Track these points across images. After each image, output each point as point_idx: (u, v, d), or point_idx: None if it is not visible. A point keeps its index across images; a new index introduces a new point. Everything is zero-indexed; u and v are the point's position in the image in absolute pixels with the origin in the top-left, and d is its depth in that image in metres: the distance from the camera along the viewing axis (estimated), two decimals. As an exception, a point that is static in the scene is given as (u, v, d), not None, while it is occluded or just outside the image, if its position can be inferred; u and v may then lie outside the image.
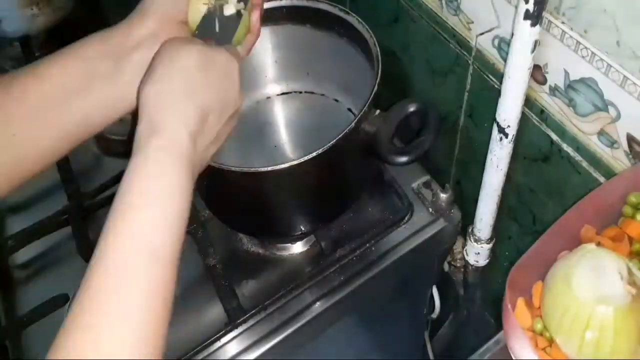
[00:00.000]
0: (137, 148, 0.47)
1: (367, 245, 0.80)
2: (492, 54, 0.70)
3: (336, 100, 0.90)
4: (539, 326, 0.51)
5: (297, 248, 0.83)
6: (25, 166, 0.54)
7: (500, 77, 0.67)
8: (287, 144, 0.87)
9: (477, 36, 0.71)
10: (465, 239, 0.85)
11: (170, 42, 0.53)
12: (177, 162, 0.47)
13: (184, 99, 0.50)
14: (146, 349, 0.42)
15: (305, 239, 0.83)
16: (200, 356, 0.73)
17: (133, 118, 0.51)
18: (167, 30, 0.56)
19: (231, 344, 0.74)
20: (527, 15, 0.55)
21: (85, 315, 0.42)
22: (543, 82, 0.64)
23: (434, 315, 1.06)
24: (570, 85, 0.61)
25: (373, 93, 0.68)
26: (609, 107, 0.57)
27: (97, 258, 0.44)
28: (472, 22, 0.71)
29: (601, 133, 0.60)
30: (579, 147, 0.64)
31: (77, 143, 0.55)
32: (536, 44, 0.57)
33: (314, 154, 0.64)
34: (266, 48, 0.87)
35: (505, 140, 0.67)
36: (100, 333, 0.41)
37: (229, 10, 0.59)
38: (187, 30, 0.58)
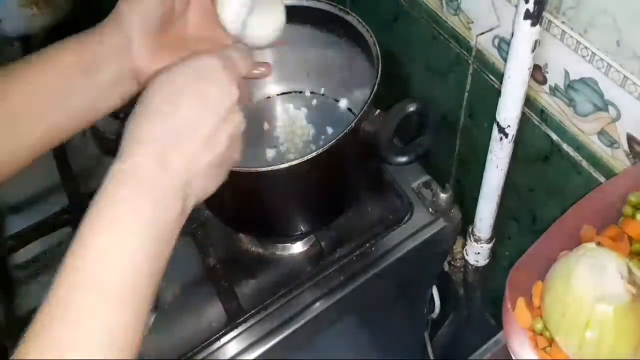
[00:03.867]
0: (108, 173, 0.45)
1: (367, 245, 0.80)
2: (492, 53, 0.70)
3: (336, 100, 0.90)
4: (539, 326, 0.51)
5: (297, 248, 0.83)
6: None
7: (500, 77, 0.67)
8: (287, 144, 0.87)
9: (477, 36, 0.71)
10: (465, 239, 0.85)
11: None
12: (135, 187, 0.44)
13: (150, 118, 0.46)
14: None
15: (305, 239, 0.83)
16: (200, 356, 0.73)
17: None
18: (142, 39, 0.54)
19: (231, 344, 0.74)
20: (527, 15, 0.55)
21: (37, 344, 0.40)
22: (543, 82, 0.64)
23: (434, 315, 1.06)
24: (570, 85, 0.61)
25: (373, 93, 0.68)
26: (609, 107, 0.57)
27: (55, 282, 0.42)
28: (472, 22, 0.71)
29: (601, 133, 0.60)
30: (579, 147, 0.64)
31: (43, 151, 0.54)
32: (536, 43, 0.57)
33: (314, 154, 0.64)
34: (266, 48, 0.87)
35: (505, 140, 0.67)
36: None
37: None
38: (162, 39, 0.56)
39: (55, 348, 0.39)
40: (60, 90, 0.53)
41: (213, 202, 0.79)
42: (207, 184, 0.49)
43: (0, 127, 0.52)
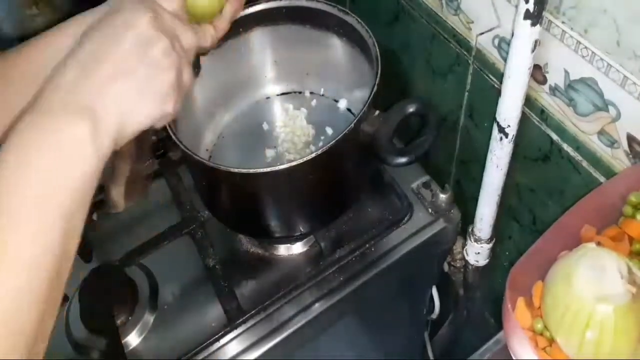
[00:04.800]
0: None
1: (367, 245, 0.80)
2: (492, 53, 0.70)
3: (336, 100, 0.90)
4: (539, 326, 0.51)
5: (297, 249, 0.83)
6: None
7: (500, 77, 0.67)
8: (286, 144, 0.87)
9: (477, 36, 0.71)
10: (465, 239, 0.85)
11: None
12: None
13: (67, 59, 0.46)
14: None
15: (304, 240, 0.83)
16: (200, 356, 0.73)
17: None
18: None
19: (231, 345, 0.74)
20: (527, 15, 0.55)
21: None
22: (543, 81, 0.64)
23: (434, 315, 1.06)
24: (570, 85, 0.61)
25: (373, 93, 0.68)
26: (609, 106, 0.57)
27: None
28: (472, 22, 0.71)
29: (601, 133, 0.60)
30: (579, 147, 0.64)
31: None
32: (536, 43, 0.57)
33: (314, 154, 0.64)
34: (266, 48, 0.87)
35: (505, 140, 0.67)
36: None
37: None
38: None
39: None
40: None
41: (212, 203, 0.79)
42: (127, 109, 0.46)
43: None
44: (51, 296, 0.41)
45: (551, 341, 0.50)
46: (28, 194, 0.41)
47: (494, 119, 0.66)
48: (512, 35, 0.58)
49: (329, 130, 0.87)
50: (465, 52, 0.74)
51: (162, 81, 0.49)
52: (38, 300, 0.40)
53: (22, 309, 0.39)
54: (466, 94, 0.78)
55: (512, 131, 0.66)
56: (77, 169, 0.42)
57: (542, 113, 0.66)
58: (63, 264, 0.42)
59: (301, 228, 0.78)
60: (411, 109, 0.71)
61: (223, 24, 0.62)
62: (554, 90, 0.63)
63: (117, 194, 0.61)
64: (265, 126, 0.89)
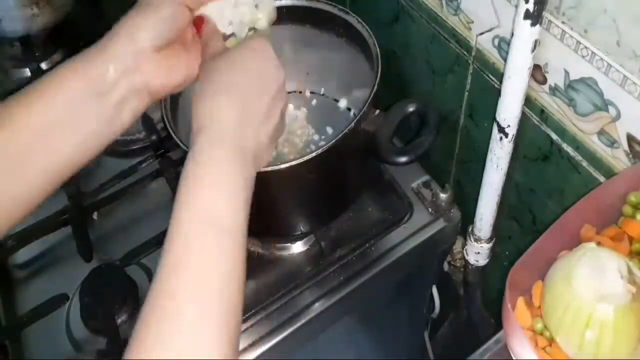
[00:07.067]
0: (190, 147, 0.50)
1: (367, 245, 0.80)
2: (492, 53, 0.70)
3: (336, 100, 0.90)
4: (539, 326, 0.51)
5: (297, 248, 0.83)
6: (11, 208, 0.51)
7: (500, 77, 0.67)
8: (286, 144, 0.87)
9: (477, 36, 0.71)
10: (465, 239, 0.85)
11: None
12: (222, 151, 0.49)
13: (221, 95, 0.52)
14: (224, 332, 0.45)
15: (305, 239, 0.83)
16: (200, 356, 0.73)
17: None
18: (152, 52, 0.53)
19: (231, 344, 0.74)
20: (527, 15, 0.55)
21: (162, 299, 0.43)
22: (543, 81, 0.64)
23: (434, 315, 1.06)
24: (570, 85, 0.61)
25: (373, 93, 0.68)
26: (609, 106, 0.57)
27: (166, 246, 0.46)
28: (472, 22, 0.71)
29: (601, 133, 0.60)
30: (579, 147, 0.64)
31: (54, 188, 0.53)
32: (536, 43, 0.57)
33: (314, 154, 0.64)
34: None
35: (505, 140, 0.67)
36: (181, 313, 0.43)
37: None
38: (166, 50, 0.55)
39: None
40: (71, 118, 0.51)
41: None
42: (264, 155, 0.55)
43: (6, 165, 0.49)
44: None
45: (551, 341, 0.50)
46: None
47: (494, 119, 0.66)
48: (512, 35, 0.58)
49: (329, 130, 0.87)
50: (465, 52, 0.74)
51: (279, 130, 0.57)
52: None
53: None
54: (466, 94, 0.78)
55: (512, 131, 0.66)
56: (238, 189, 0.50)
57: (542, 113, 0.66)
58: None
59: (301, 227, 0.78)
60: (411, 109, 0.71)
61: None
62: (554, 90, 0.63)
63: None
64: (265, 126, 0.89)
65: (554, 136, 0.66)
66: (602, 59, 0.55)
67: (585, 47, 0.56)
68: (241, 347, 0.73)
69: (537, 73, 0.64)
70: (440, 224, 0.83)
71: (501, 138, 0.67)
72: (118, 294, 0.76)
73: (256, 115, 0.52)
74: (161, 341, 0.41)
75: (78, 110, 0.52)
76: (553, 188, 0.71)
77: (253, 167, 0.52)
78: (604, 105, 0.58)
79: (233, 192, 0.48)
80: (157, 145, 0.89)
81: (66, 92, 0.51)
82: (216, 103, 0.51)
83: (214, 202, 0.47)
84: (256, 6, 0.63)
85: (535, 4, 0.54)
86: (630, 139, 0.57)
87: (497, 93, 0.64)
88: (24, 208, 0.52)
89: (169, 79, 0.55)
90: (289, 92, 0.91)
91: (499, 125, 0.66)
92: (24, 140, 0.50)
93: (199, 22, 0.58)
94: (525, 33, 0.56)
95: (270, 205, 0.75)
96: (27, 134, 0.50)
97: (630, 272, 0.47)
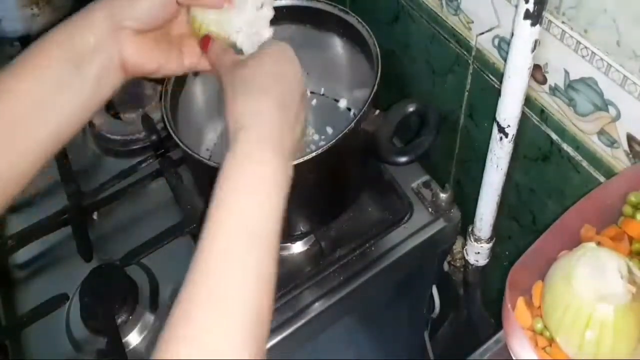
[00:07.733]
0: (229, 147, 0.50)
1: (367, 245, 0.80)
2: (492, 53, 0.70)
3: (336, 100, 0.90)
4: (539, 326, 0.51)
5: (297, 248, 0.83)
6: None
7: (500, 77, 0.67)
8: (287, 143, 0.87)
9: (477, 36, 0.71)
10: (465, 239, 0.85)
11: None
12: (265, 151, 0.50)
13: (261, 95, 0.52)
14: (251, 336, 0.43)
15: (305, 239, 0.83)
16: (200, 356, 0.73)
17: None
18: (125, 37, 0.55)
19: (231, 344, 0.74)
20: (527, 15, 0.55)
21: (191, 304, 0.43)
22: (543, 81, 0.64)
23: (434, 315, 1.06)
24: (570, 85, 0.61)
25: (373, 93, 0.68)
26: (609, 106, 0.57)
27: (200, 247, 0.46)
28: (472, 22, 0.71)
29: (601, 133, 0.60)
30: (579, 147, 0.64)
31: (46, 158, 0.54)
32: (536, 43, 0.57)
33: (314, 153, 0.64)
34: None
35: (505, 140, 0.67)
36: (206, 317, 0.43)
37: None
38: (149, 33, 0.57)
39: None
40: (55, 88, 0.53)
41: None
42: (297, 154, 0.57)
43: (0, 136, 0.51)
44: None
45: (551, 341, 0.50)
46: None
47: (494, 118, 0.66)
48: (512, 35, 0.58)
49: (329, 130, 0.87)
50: (465, 52, 0.74)
51: (305, 129, 0.58)
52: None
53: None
54: (466, 94, 0.78)
55: (512, 131, 0.66)
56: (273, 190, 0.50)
57: (542, 113, 0.66)
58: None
59: (301, 227, 0.78)
60: (411, 109, 0.71)
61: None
62: (553, 90, 0.63)
63: None
64: (265, 126, 0.89)
65: (554, 136, 0.66)
66: (602, 59, 0.55)
67: (585, 47, 0.56)
68: (241, 347, 0.73)
69: (537, 73, 0.64)
70: (440, 224, 0.83)
71: (501, 138, 0.67)
72: (118, 294, 0.76)
73: (292, 115, 0.54)
74: (191, 340, 0.41)
75: (59, 82, 0.53)
76: (553, 188, 0.71)
77: (291, 166, 0.53)
78: (604, 105, 0.58)
79: (274, 193, 0.49)
80: (157, 145, 0.89)
81: (53, 65, 0.53)
82: (257, 103, 0.52)
83: (255, 205, 0.48)
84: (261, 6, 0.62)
85: (535, 4, 0.54)
86: (630, 139, 0.57)
87: (497, 93, 0.64)
88: (16, 182, 0.53)
89: (142, 61, 0.57)
90: (289, 92, 0.92)
91: (499, 125, 0.66)
92: (16, 111, 0.52)
93: (205, 42, 0.59)
94: (525, 33, 0.56)
95: (270, 205, 0.75)
96: (18, 105, 0.52)
97: (630, 272, 0.47)
